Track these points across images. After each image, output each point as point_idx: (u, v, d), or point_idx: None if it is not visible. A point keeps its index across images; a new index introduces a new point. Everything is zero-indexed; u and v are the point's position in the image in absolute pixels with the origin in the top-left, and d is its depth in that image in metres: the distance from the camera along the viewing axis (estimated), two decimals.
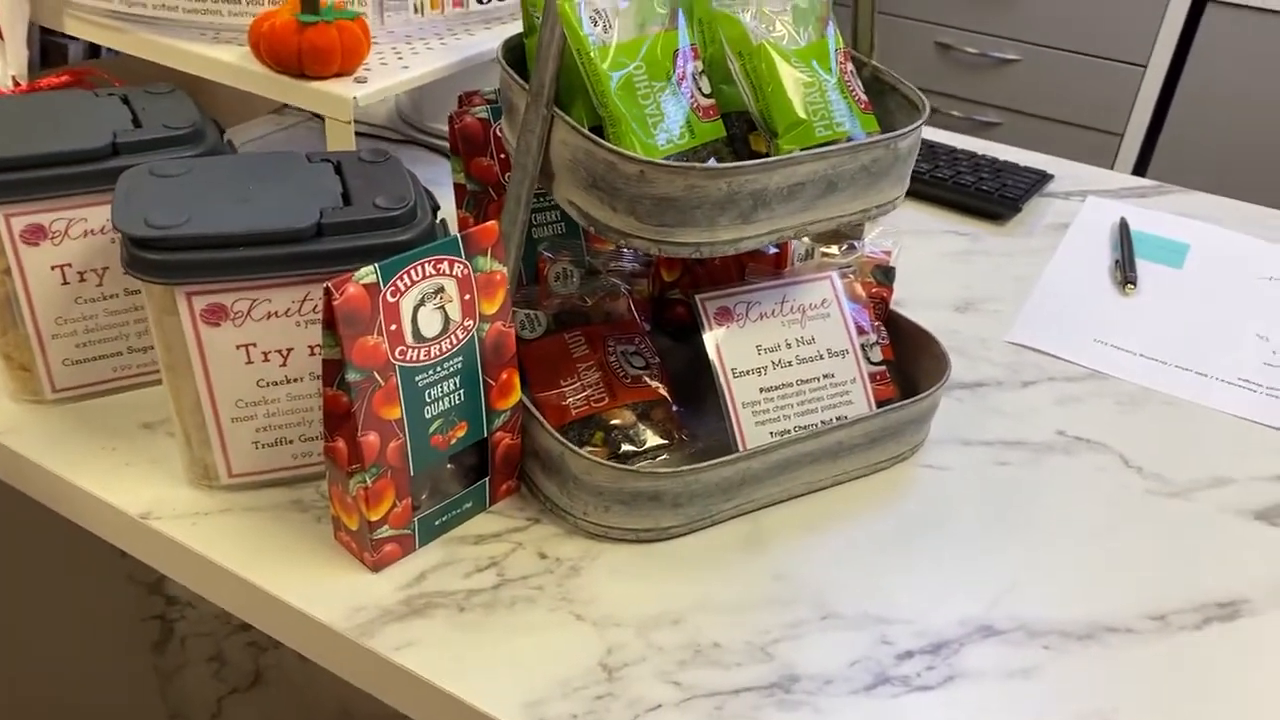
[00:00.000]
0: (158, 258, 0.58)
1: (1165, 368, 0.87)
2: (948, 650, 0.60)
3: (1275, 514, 0.73)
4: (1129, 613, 0.64)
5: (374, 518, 0.60)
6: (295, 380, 0.64)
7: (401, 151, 1.13)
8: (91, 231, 0.67)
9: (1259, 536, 0.71)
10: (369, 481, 0.58)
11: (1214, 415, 0.82)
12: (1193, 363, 0.88)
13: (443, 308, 0.58)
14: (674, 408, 0.74)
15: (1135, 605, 0.64)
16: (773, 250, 0.77)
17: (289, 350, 0.63)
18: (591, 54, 0.59)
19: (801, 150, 0.63)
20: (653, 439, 0.71)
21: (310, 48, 0.70)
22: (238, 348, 0.62)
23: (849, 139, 0.65)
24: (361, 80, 0.74)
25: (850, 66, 0.68)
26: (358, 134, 1.13)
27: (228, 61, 0.76)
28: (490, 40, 0.83)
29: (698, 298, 0.71)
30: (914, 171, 1.10)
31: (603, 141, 0.59)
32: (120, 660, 1.16)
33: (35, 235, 0.66)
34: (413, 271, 0.57)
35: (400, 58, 0.79)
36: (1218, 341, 0.91)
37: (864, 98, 0.67)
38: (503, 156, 0.78)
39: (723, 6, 0.65)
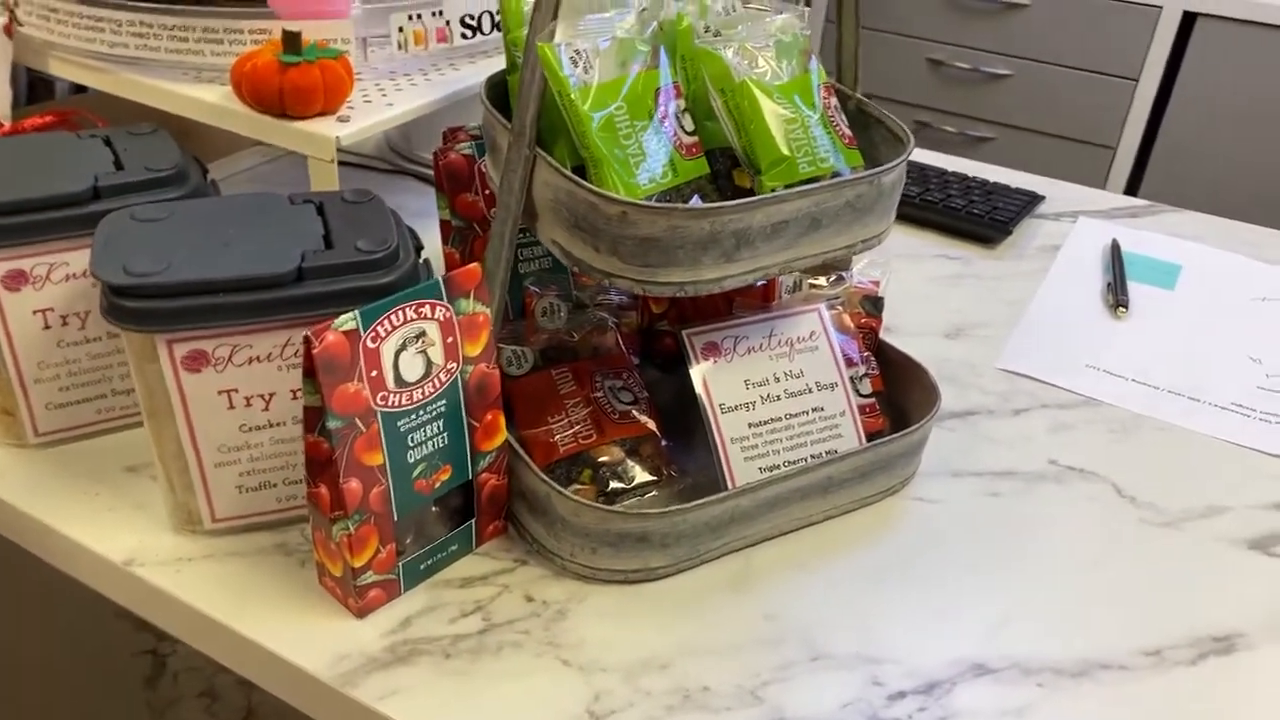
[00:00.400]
0: (137, 305, 0.57)
1: (1158, 393, 0.87)
2: (940, 690, 0.60)
3: (1270, 543, 0.72)
4: (1123, 648, 0.63)
5: (358, 564, 0.59)
6: (278, 424, 0.63)
7: (391, 182, 1.13)
8: (73, 275, 0.67)
9: (1254, 567, 0.70)
10: (352, 528, 0.58)
11: (1207, 441, 0.82)
12: (1185, 387, 0.88)
13: (424, 352, 0.58)
14: (663, 442, 0.73)
15: (1129, 640, 0.64)
16: (760, 283, 0.77)
17: (271, 395, 0.62)
18: (572, 95, 0.59)
19: (785, 187, 0.63)
20: (641, 475, 0.71)
21: (292, 88, 0.70)
22: (219, 393, 0.61)
23: (834, 174, 0.65)
24: (344, 119, 0.74)
25: (834, 101, 0.67)
26: (347, 165, 1.13)
27: (210, 101, 0.76)
28: (475, 75, 0.83)
29: (684, 333, 0.71)
30: (905, 195, 1.10)
31: (584, 183, 0.59)
32: (112, 696, 1.15)
33: (17, 281, 0.66)
34: (393, 316, 0.56)
35: (384, 94, 0.79)
36: (1210, 365, 0.91)
37: (848, 132, 0.67)
38: (488, 192, 0.78)
39: (705, 43, 0.64)
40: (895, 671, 0.61)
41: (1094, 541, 0.71)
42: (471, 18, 0.83)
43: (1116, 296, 0.98)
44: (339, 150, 0.73)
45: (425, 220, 0.86)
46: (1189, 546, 0.71)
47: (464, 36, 0.82)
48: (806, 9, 0.70)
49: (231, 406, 0.62)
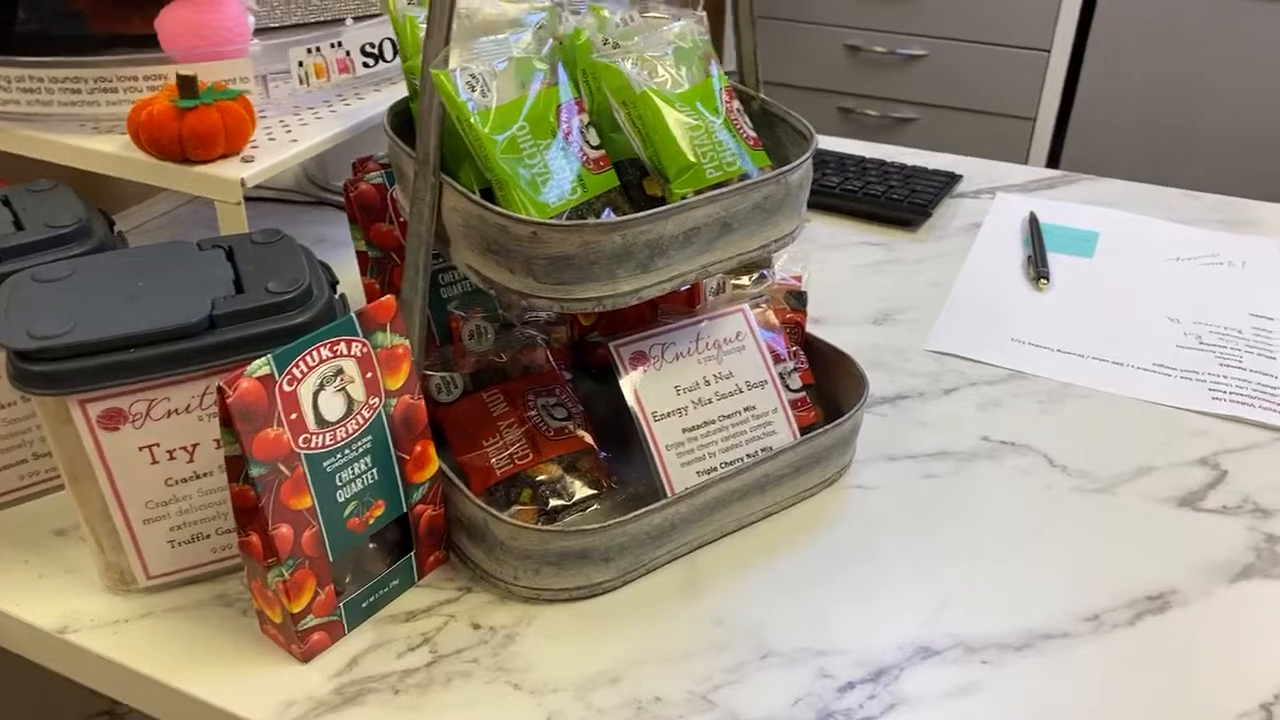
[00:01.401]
0: (44, 369, 0.56)
1: (1083, 360, 0.89)
2: (888, 677, 0.60)
3: (1196, 499, 0.74)
4: (1063, 616, 0.65)
5: (296, 609, 0.58)
6: (205, 475, 0.62)
7: (310, 213, 1.11)
8: None
9: (1183, 524, 0.72)
10: (286, 574, 0.57)
11: (1133, 404, 0.84)
12: (1109, 353, 0.90)
13: (344, 389, 0.57)
14: (601, 454, 0.73)
15: (1069, 608, 0.65)
16: (684, 288, 0.77)
17: (194, 445, 0.61)
18: (472, 120, 0.59)
19: (695, 193, 0.63)
20: (581, 490, 0.71)
21: (191, 133, 0.69)
22: (140, 449, 0.60)
23: (742, 176, 0.65)
24: (249, 159, 0.73)
25: (736, 104, 0.68)
26: (265, 200, 1.12)
27: (109, 152, 0.74)
28: (381, 102, 0.82)
29: (611, 345, 0.71)
30: (824, 185, 1.12)
31: (493, 206, 0.59)
32: None
33: None
34: (308, 357, 0.56)
35: (289, 130, 0.78)
36: (1131, 328, 0.93)
37: (752, 134, 0.68)
38: (402, 221, 0.77)
39: (603, 57, 0.64)
40: (843, 662, 0.61)
41: (1030, 513, 0.73)
42: (373, 46, 0.82)
43: (1037, 269, 1.00)
44: (255, 187, 0.72)
45: (347, 250, 0.85)
46: (1121, 510, 0.73)
47: (366, 65, 0.82)
48: (703, 14, 0.70)
49: (155, 461, 0.61)
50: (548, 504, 0.69)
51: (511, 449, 0.71)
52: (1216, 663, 0.61)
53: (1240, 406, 0.83)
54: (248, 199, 0.72)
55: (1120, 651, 0.62)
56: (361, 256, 0.79)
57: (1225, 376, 0.86)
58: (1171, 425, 0.81)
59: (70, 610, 0.64)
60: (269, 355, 0.54)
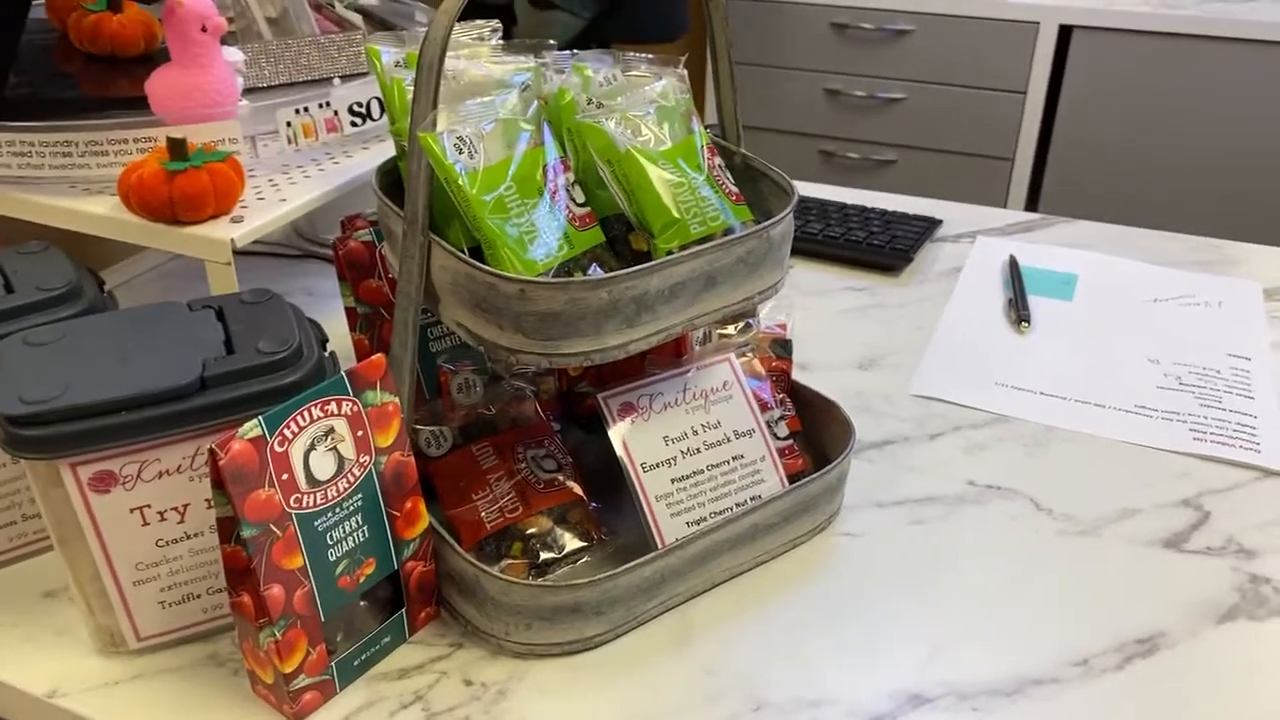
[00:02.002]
0: (36, 434, 0.56)
1: (1065, 403, 0.90)
2: None
3: (1180, 540, 0.75)
4: (1052, 661, 0.65)
5: (288, 669, 0.58)
6: (196, 535, 0.62)
7: (300, 266, 1.12)
8: None
9: (1168, 565, 0.73)
10: (278, 634, 0.57)
11: (1116, 446, 0.85)
12: (1090, 395, 0.91)
13: (335, 448, 0.58)
14: (591, 505, 0.74)
15: (1058, 653, 0.65)
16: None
17: (185, 506, 0.61)
18: (460, 181, 0.60)
19: (679, 248, 0.64)
20: (572, 542, 0.71)
21: (181, 195, 0.70)
22: (131, 511, 0.60)
23: (726, 230, 0.67)
24: (238, 219, 0.74)
25: (718, 160, 0.69)
26: (255, 254, 1.12)
27: (99, 214, 0.75)
28: (370, 160, 0.84)
29: (600, 396, 0.72)
30: (808, 232, 1.14)
31: (481, 265, 0.60)
32: None
33: None
34: (299, 418, 0.56)
35: (278, 189, 0.79)
36: (1112, 370, 0.94)
37: (734, 189, 0.69)
38: (391, 277, 0.78)
39: (587, 117, 0.66)
40: (835, 712, 0.61)
41: (1017, 558, 0.73)
42: (360, 105, 0.84)
43: (1018, 312, 1.02)
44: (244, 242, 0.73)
45: (335, 303, 0.85)
46: (1107, 552, 0.74)
47: (354, 124, 0.83)
48: (684, 71, 0.72)
49: (145, 523, 0.61)
50: (538, 557, 0.70)
51: (501, 502, 0.71)
52: (1205, 705, 0.62)
53: (1221, 447, 0.84)
54: (235, 253, 0.73)
55: (1110, 696, 0.63)
56: (350, 313, 0.80)
57: (1205, 417, 0.87)
58: (1154, 467, 0.82)
59: (60, 673, 0.64)
60: (260, 417, 0.54)
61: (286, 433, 0.56)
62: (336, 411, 0.58)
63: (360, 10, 1.04)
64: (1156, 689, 0.63)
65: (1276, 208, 2.21)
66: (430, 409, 0.76)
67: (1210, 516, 0.77)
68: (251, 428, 0.54)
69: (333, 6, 1.01)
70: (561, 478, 0.73)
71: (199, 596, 0.65)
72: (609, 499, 0.74)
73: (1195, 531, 0.75)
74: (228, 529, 0.56)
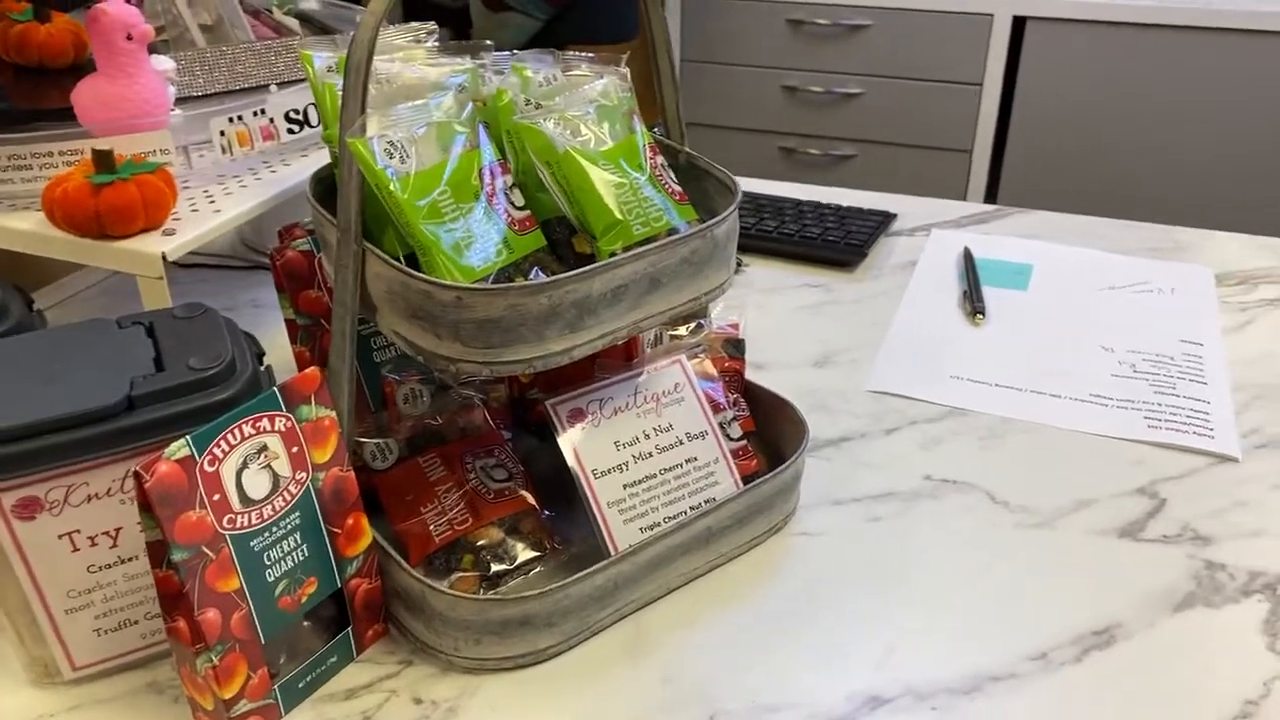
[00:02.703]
0: None
1: (1021, 394, 0.89)
2: None
3: (1137, 529, 0.74)
4: (1010, 656, 0.64)
5: (228, 695, 0.56)
6: (130, 559, 0.60)
7: (246, 278, 1.10)
8: None
9: (1123, 555, 0.72)
10: (216, 659, 0.55)
11: (1072, 436, 0.84)
12: (1046, 385, 0.91)
13: (269, 466, 0.56)
14: (544, 514, 0.72)
15: (1015, 648, 0.65)
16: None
17: (118, 530, 0.59)
18: (391, 187, 0.58)
19: (623, 250, 0.63)
20: (524, 553, 0.70)
21: (108, 209, 0.68)
22: (60, 537, 0.58)
23: (670, 230, 0.65)
24: (170, 232, 0.72)
25: (660, 160, 0.68)
26: (201, 266, 1.10)
27: (25, 230, 0.73)
28: (307, 168, 0.82)
29: (548, 403, 0.70)
30: (762, 229, 1.13)
31: (416, 273, 0.58)
32: None
33: None
34: (229, 436, 0.54)
35: (212, 200, 0.77)
36: (1066, 360, 0.94)
37: (677, 189, 0.68)
38: (330, 287, 0.76)
39: (525, 118, 0.64)
40: (794, 717, 0.60)
41: (973, 552, 0.73)
42: (297, 112, 0.82)
43: (973, 304, 1.02)
44: (188, 254, 0.71)
45: (279, 313, 0.84)
46: (1063, 544, 0.73)
47: (291, 131, 0.81)
48: (626, 70, 0.71)
49: (75, 549, 0.59)
50: (489, 569, 0.68)
51: (450, 514, 0.70)
52: (1163, 695, 0.61)
53: (1175, 434, 0.84)
54: (181, 265, 0.71)
55: (1068, 690, 0.62)
56: (291, 324, 0.78)
57: (1160, 404, 0.87)
58: (1109, 456, 0.82)
59: None
60: (188, 436, 0.53)
61: (216, 451, 0.54)
62: (270, 428, 0.56)
63: (300, 16, 1.02)
64: (1115, 680, 0.63)
65: (1231, 195, 2.23)
66: (375, 420, 0.74)
67: (1166, 504, 0.77)
68: (179, 448, 0.52)
69: (270, 12, 0.99)
70: (513, 487, 0.72)
71: (136, 623, 0.63)
72: (562, 507, 0.73)
73: (1151, 520, 0.75)
74: (158, 553, 0.54)
